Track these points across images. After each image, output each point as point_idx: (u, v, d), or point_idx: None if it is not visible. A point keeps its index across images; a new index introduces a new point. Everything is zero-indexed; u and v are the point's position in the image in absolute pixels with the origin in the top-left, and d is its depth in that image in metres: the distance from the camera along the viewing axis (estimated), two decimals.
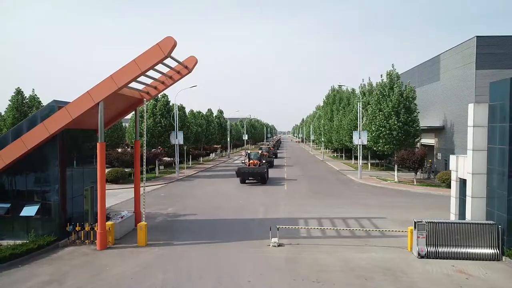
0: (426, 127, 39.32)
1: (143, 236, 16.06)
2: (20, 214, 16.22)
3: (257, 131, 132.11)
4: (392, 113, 34.63)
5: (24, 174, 16.45)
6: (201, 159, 59.44)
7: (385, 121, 34.80)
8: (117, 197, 27.63)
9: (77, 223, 16.63)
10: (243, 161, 39.82)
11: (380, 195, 28.95)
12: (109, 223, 16.30)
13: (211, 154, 67.29)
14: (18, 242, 15.25)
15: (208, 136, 61.00)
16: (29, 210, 16.24)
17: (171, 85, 19.00)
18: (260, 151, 41.23)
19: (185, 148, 49.07)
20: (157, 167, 41.98)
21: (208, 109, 68.82)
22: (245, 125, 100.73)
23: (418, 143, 38.09)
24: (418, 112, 36.40)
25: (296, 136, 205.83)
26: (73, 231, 16.38)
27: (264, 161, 40.23)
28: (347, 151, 63.45)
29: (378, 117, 35.76)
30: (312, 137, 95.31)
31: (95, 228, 16.12)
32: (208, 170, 47.80)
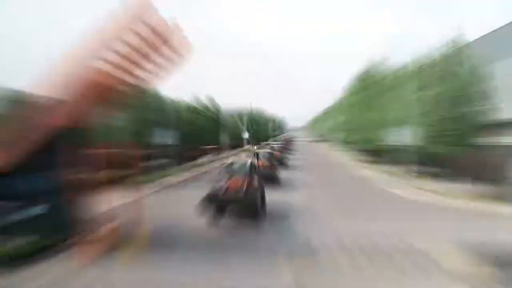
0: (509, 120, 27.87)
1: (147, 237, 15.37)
2: (28, 214, 14.45)
3: (261, 128, 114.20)
4: (461, 98, 23.86)
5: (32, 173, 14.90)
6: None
7: (452, 111, 24.01)
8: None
9: None
10: (218, 179, 18.22)
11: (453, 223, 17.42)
12: (114, 223, 15.56)
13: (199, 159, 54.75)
14: (26, 241, 14.03)
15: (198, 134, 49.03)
16: (37, 210, 14.68)
17: None
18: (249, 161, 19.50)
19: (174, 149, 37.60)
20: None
21: (194, 96, 51.69)
22: (245, 122, 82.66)
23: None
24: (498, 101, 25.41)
25: (313, 134, 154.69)
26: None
27: (257, 185, 18.34)
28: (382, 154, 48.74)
29: (440, 105, 24.90)
30: (338, 135, 71.74)
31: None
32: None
